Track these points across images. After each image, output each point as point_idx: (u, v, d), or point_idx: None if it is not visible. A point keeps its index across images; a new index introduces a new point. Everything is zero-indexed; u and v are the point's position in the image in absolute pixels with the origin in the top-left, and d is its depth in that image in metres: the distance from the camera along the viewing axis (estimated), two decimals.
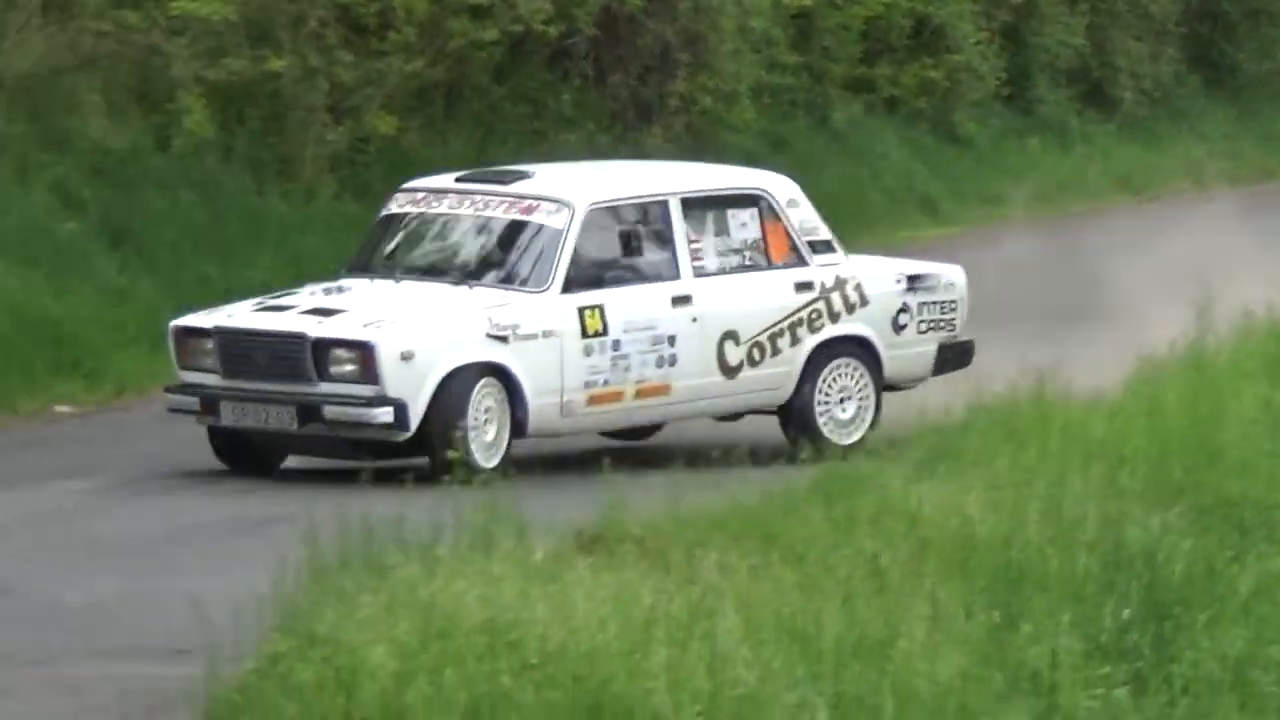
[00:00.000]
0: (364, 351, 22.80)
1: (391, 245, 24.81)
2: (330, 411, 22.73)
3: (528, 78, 47.87)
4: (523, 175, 25.82)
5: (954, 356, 24.32)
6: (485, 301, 23.29)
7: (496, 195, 24.39)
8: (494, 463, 22.61)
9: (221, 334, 23.73)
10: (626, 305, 23.17)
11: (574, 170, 26.30)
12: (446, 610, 18.05)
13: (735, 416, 24.38)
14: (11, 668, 21.65)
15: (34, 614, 23.96)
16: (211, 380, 24.19)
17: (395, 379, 22.62)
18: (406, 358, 22.68)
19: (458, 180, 25.69)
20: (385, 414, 22.55)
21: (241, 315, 24.37)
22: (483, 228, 24.12)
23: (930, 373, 24.34)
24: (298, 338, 23.27)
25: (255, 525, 24.74)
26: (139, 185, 41.29)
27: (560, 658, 17.39)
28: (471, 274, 23.60)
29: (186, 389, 24.40)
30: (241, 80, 41.74)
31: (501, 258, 23.69)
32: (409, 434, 22.72)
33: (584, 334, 23.03)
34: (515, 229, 23.92)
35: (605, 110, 49.16)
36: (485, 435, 22.71)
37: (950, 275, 24.68)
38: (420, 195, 25.10)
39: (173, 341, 25.12)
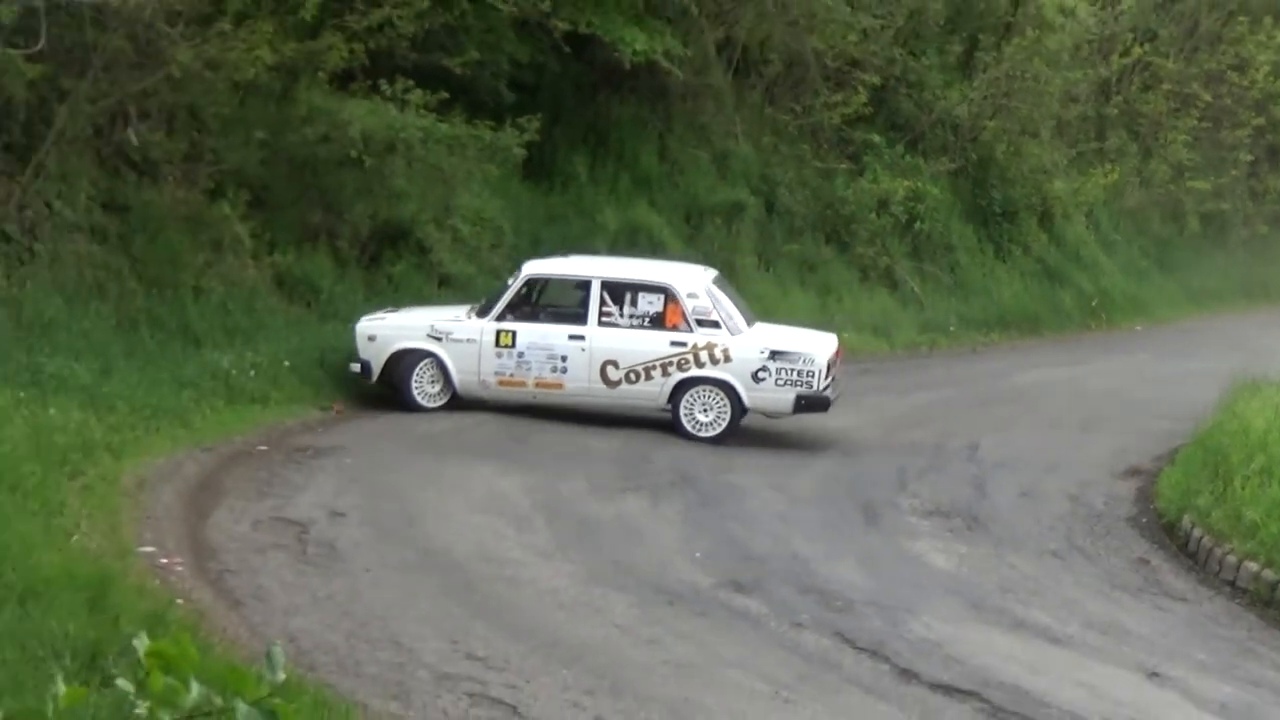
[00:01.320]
0: (353, 332, 19.67)
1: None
2: (351, 365, 19.52)
3: None
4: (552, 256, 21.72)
5: (809, 404, 19.51)
6: (448, 318, 19.84)
7: (517, 264, 20.78)
8: (435, 405, 19.40)
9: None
10: (533, 334, 19.52)
11: (565, 258, 21.26)
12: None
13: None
14: (1099, 425, 22.59)
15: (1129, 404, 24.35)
16: None
17: (364, 349, 19.45)
18: (371, 339, 19.49)
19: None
20: (357, 368, 19.41)
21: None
22: (503, 283, 20.38)
23: (790, 411, 19.68)
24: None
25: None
26: None
27: None
28: (482, 306, 19.92)
29: None
30: None
31: (493, 298, 20.01)
32: (372, 381, 19.52)
33: (497, 345, 19.44)
34: (505, 284, 20.19)
35: None
36: (430, 390, 19.35)
37: (812, 353, 19.69)
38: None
39: None
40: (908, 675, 11.94)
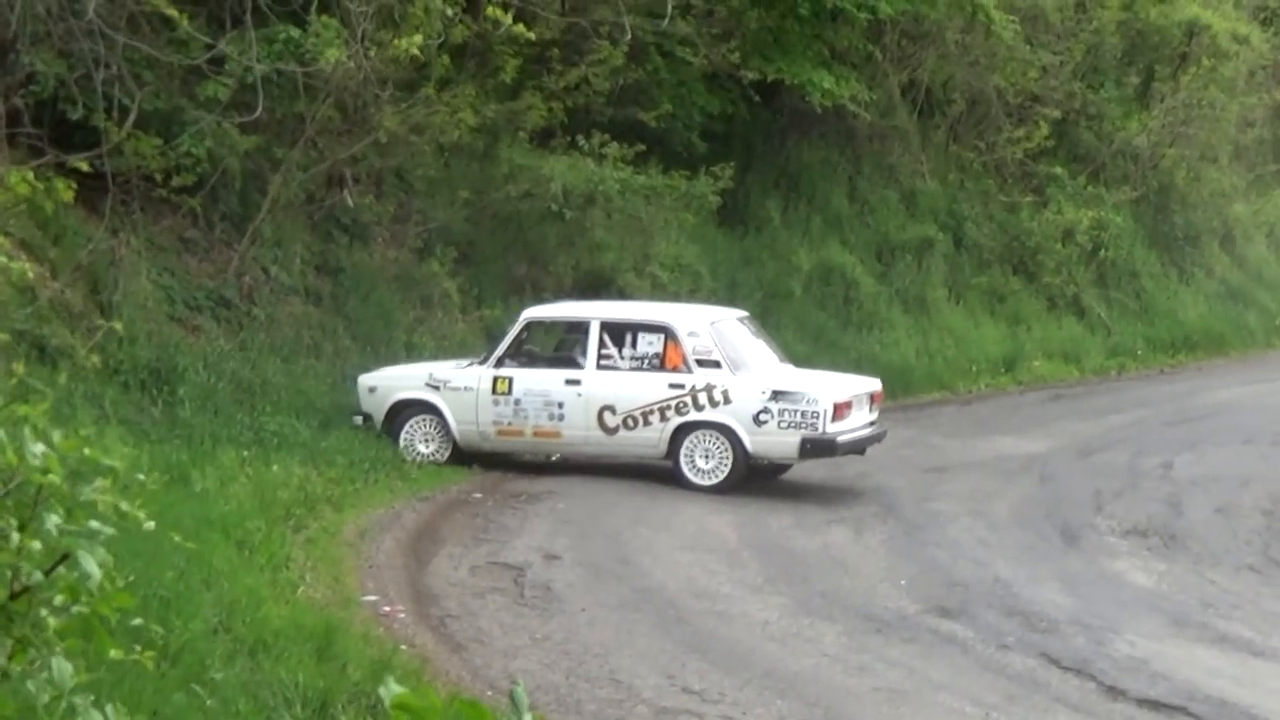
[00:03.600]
0: (355, 385, 18.02)
1: None
2: (355, 418, 17.73)
3: None
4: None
5: (815, 448, 17.08)
6: (449, 366, 18.11)
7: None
8: (429, 451, 17.60)
9: None
10: (530, 379, 17.47)
11: (566, 303, 19.56)
12: None
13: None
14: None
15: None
16: None
17: (366, 400, 17.71)
18: (372, 390, 17.73)
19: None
20: (359, 419, 17.58)
21: None
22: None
23: (796, 456, 17.35)
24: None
25: None
26: None
27: None
28: (485, 354, 18.14)
29: None
30: None
31: (494, 343, 18.35)
32: (377, 432, 17.57)
33: (494, 392, 17.44)
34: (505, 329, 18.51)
35: None
36: (422, 449, 17.63)
37: (816, 393, 17.16)
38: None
39: None
40: (1114, 693, 11.70)
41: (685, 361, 17.48)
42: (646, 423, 17.44)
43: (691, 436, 17.36)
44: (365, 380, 18.06)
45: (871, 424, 18.07)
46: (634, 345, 17.76)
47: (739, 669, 11.58)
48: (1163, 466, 19.78)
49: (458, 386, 17.73)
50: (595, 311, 18.27)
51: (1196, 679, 12.01)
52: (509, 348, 17.85)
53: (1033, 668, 12.11)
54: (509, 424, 17.65)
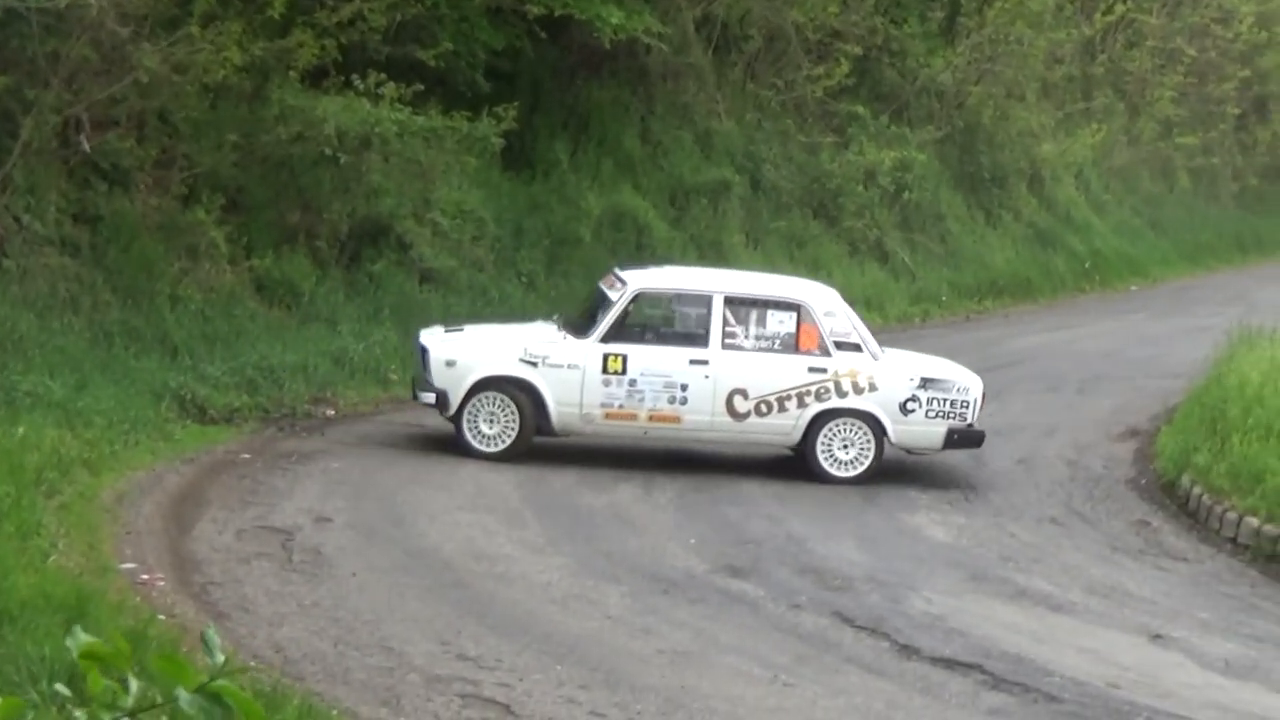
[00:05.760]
0: (424, 355, 17.21)
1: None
2: (419, 394, 17.27)
3: None
4: (646, 265, 19.12)
5: (962, 440, 17.16)
6: (541, 338, 17.22)
7: (614, 276, 17.83)
8: (492, 433, 16.85)
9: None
10: (648, 357, 16.85)
11: (671, 269, 18.74)
12: None
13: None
14: (1096, 387, 22.72)
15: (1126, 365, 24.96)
16: None
17: (439, 376, 16.88)
18: (450, 364, 16.90)
19: (618, 265, 18.98)
20: (429, 398, 16.95)
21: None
22: (600, 296, 17.61)
23: (939, 447, 17.26)
24: (419, 342, 17.63)
25: None
26: None
27: None
28: (575, 324, 17.37)
29: None
30: None
31: (589, 315, 17.44)
32: (450, 414, 16.93)
33: (605, 371, 16.73)
34: (603, 298, 17.41)
35: None
36: (486, 430, 16.90)
37: (965, 382, 17.38)
38: (604, 275, 18.45)
39: None
40: (908, 651, 11.96)
41: (822, 343, 17.11)
42: (782, 409, 16.99)
43: (831, 425, 17.03)
44: (440, 352, 17.27)
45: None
46: (762, 324, 17.25)
47: (517, 633, 11.71)
48: None
49: (560, 364, 17.04)
50: (718, 284, 17.63)
51: (993, 635, 12.34)
52: (616, 321, 17.19)
53: (825, 627, 12.37)
54: (620, 407, 17.03)
